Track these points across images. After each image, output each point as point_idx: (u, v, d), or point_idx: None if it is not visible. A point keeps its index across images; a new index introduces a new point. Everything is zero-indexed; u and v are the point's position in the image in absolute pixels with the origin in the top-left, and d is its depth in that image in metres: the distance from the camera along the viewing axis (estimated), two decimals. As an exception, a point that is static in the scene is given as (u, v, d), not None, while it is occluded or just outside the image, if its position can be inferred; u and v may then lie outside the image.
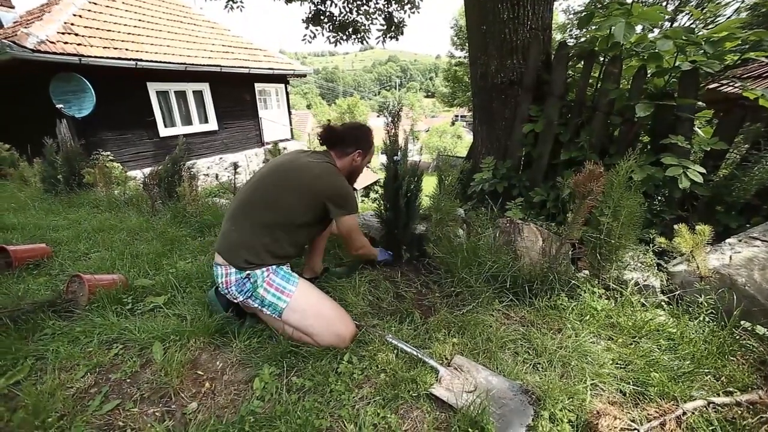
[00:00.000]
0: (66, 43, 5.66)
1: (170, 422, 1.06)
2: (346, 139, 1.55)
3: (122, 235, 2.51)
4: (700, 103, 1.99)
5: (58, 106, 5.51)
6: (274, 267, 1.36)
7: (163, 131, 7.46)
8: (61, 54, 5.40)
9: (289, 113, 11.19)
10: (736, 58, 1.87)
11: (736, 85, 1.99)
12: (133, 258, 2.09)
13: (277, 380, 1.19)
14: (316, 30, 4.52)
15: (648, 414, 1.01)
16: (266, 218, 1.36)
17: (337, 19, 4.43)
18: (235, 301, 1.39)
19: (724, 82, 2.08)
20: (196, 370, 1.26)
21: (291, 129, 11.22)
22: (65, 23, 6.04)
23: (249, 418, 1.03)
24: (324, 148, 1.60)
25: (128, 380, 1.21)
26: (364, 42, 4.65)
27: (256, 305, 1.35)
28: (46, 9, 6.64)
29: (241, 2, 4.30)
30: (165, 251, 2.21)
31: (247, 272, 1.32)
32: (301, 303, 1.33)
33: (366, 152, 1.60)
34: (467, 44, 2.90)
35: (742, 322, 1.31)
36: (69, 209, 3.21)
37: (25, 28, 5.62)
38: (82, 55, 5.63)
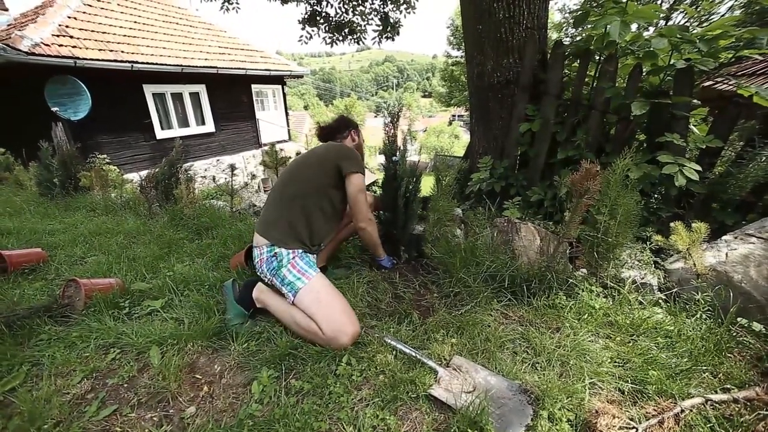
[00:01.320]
0: (61, 45, 5.63)
1: (168, 427, 1.05)
2: (338, 128, 1.84)
3: (119, 238, 2.49)
4: (695, 101, 2.00)
5: (54, 109, 5.48)
6: (300, 252, 1.49)
7: (160, 133, 7.44)
8: (56, 56, 5.37)
9: (287, 114, 11.17)
10: (730, 56, 1.88)
11: (730, 82, 2.00)
12: (130, 261, 2.08)
13: (275, 383, 1.19)
14: (313, 31, 4.52)
15: (646, 412, 1.01)
16: (292, 190, 1.57)
17: (333, 19, 4.43)
18: (266, 280, 1.51)
19: (718, 79, 2.09)
20: (193, 373, 1.26)
21: (288, 130, 11.20)
22: (60, 25, 6.01)
23: (248, 422, 1.03)
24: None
25: (125, 385, 1.20)
26: (361, 42, 4.65)
27: (277, 283, 1.45)
28: (41, 11, 6.60)
29: (237, 3, 4.29)
30: (162, 254, 2.20)
31: (275, 250, 1.46)
32: (317, 287, 1.40)
33: (357, 130, 1.88)
34: (463, 44, 2.91)
35: (738, 319, 1.32)
36: (65, 213, 3.19)
37: (19, 30, 5.59)
38: (78, 58, 5.60)
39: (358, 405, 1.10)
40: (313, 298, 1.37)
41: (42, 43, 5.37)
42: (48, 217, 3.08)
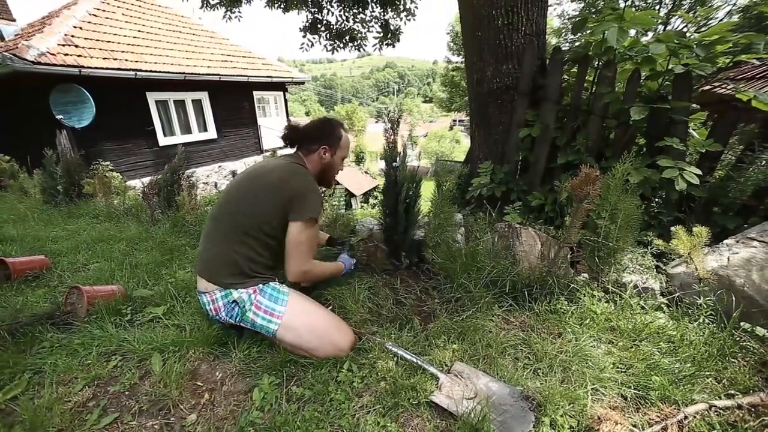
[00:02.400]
0: (66, 54, 5.72)
1: (169, 435, 1.05)
2: (309, 136, 1.49)
3: (121, 245, 2.51)
4: (694, 105, 2.00)
5: (58, 117, 5.55)
6: (260, 286, 1.32)
7: (163, 140, 7.50)
8: (61, 65, 5.46)
9: (288, 120, 11.24)
10: (728, 61, 1.89)
11: (729, 87, 2.01)
12: (132, 268, 2.09)
13: (276, 390, 1.18)
14: (314, 38, 4.58)
15: (649, 418, 1.00)
16: (238, 227, 1.31)
17: (334, 27, 4.49)
18: (230, 323, 1.36)
19: (717, 84, 2.10)
20: (195, 381, 1.26)
21: (290, 136, 11.26)
22: (66, 35, 6.12)
23: (249, 429, 1.03)
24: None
25: (127, 392, 1.20)
26: (361, 49, 4.70)
27: (248, 327, 1.34)
28: (47, 21, 6.73)
29: (239, 12, 4.35)
30: (164, 261, 2.21)
31: (234, 297, 1.29)
32: (294, 321, 1.29)
33: (333, 147, 1.51)
34: (463, 50, 2.93)
35: (741, 324, 1.31)
36: (68, 220, 3.22)
37: (26, 40, 5.69)
38: (82, 66, 5.68)
39: (359, 412, 1.10)
40: (293, 335, 1.28)
41: (48, 52, 5.46)
42: (51, 224, 3.10)
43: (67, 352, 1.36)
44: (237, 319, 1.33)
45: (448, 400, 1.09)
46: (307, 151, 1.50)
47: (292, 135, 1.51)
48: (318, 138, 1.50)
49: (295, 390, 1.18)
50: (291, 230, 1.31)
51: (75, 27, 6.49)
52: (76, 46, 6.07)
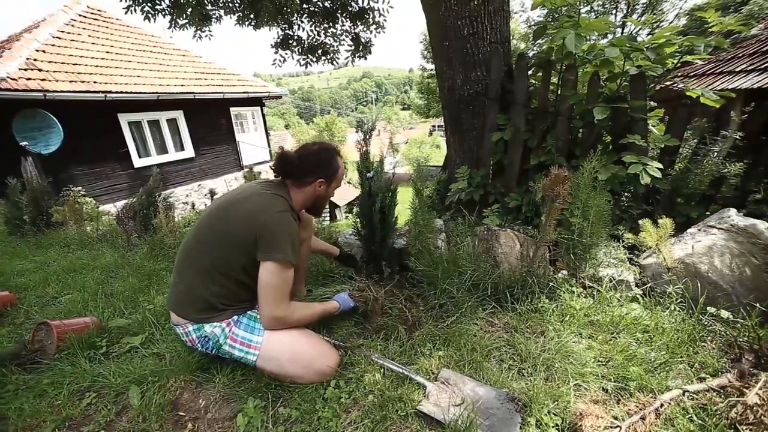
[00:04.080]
0: (29, 79, 5.52)
1: (149, 472, 1.00)
2: (303, 168, 1.34)
3: (95, 273, 2.40)
4: (652, 102, 2.12)
5: (22, 143, 5.31)
6: (235, 318, 1.25)
7: (138, 162, 7.29)
8: (23, 90, 5.25)
9: (267, 135, 11.16)
10: (675, 61, 2.02)
11: (679, 86, 2.15)
12: (107, 297, 2.01)
13: (262, 413, 1.15)
14: (286, 54, 4.60)
15: (629, 409, 1.03)
16: (205, 263, 1.23)
17: (306, 42, 4.53)
18: (208, 353, 1.31)
19: (668, 83, 2.24)
20: (177, 411, 1.21)
21: (270, 150, 11.18)
22: (28, 59, 5.90)
23: (233, 458, 0.99)
24: None
25: (103, 431, 1.14)
26: (334, 63, 4.75)
27: (226, 357, 1.30)
28: (6, 46, 6.47)
29: (210, 31, 4.33)
30: (142, 287, 2.13)
31: (206, 332, 1.24)
32: (273, 351, 1.22)
33: (330, 179, 1.40)
34: (433, 59, 3.02)
35: (708, 308, 1.38)
36: (36, 251, 3.06)
37: (-16, 66, 5.45)
38: (47, 90, 5.49)
39: (347, 429, 1.08)
40: (274, 365, 1.22)
41: (9, 77, 5.25)
42: (17, 256, 2.95)
43: (35, 394, 1.28)
44: (213, 352, 1.29)
45: (435, 408, 1.10)
46: (300, 182, 1.36)
47: (283, 167, 1.33)
48: (314, 170, 1.35)
49: (281, 411, 1.15)
50: (261, 271, 1.18)
51: (37, 50, 6.27)
52: (40, 70, 5.87)
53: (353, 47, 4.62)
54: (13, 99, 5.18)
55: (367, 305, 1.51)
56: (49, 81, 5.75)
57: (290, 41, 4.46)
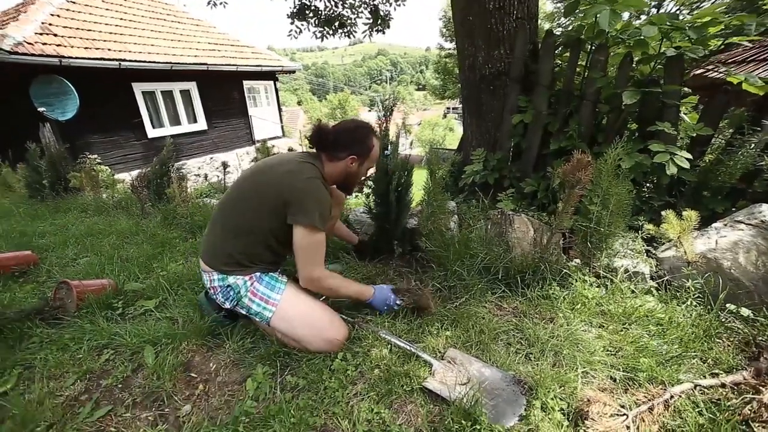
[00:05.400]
0: (45, 44, 5.51)
1: (163, 426, 1.05)
2: (338, 143, 1.36)
3: (111, 239, 2.47)
4: (685, 89, 2.00)
5: (40, 109, 5.37)
6: (258, 274, 1.30)
7: (151, 132, 7.34)
8: (40, 55, 5.25)
9: (279, 110, 11.06)
10: (719, 43, 1.88)
11: (720, 70, 2.01)
12: (122, 262, 2.06)
13: (270, 380, 1.19)
14: (302, 25, 4.45)
15: (637, 399, 1.02)
16: (234, 222, 1.29)
17: (323, 13, 4.37)
18: (224, 307, 1.36)
19: (709, 67, 2.09)
20: (189, 372, 1.25)
21: (282, 126, 11.11)
22: (43, 23, 5.87)
23: (243, 419, 1.03)
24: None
25: (119, 386, 1.19)
26: (351, 36, 4.60)
27: (243, 312, 1.33)
28: (22, 9, 6.43)
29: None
30: (155, 254, 2.18)
31: (229, 282, 1.28)
32: (288, 311, 1.27)
33: (362, 157, 1.41)
34: (454, 36, 2.88)
35: (727, 305, 1.34)
36: (56, 214, 3.15)
37: (0, 29, 5.45)
38: (63, 56, 5.48)
39: (353, 399, 1.11)
40: (287, 324, 1.26)
41: (25, 41, 5.24)
42: (38, 219, 3.04)
43: (58, 347, 1.34)
44: (233, 304, 1.32)
45: (441, 385, 1.11)
46: (332, 156, 1.38)
47: (318, 138, 1.36)
48: (348, 146, 1.37)
49: (289, 379, 1.18)
50: (294, 233, 1.24)
51: (52, 15, 6.23)
52: (55, 35, 5.84)
53: (371, 20, 4.45)
54: (30, 64, 5.19)
55: (417, 302, 1.42)
56: (65, 47, 5.73)
57: (307, 12, 4.32)
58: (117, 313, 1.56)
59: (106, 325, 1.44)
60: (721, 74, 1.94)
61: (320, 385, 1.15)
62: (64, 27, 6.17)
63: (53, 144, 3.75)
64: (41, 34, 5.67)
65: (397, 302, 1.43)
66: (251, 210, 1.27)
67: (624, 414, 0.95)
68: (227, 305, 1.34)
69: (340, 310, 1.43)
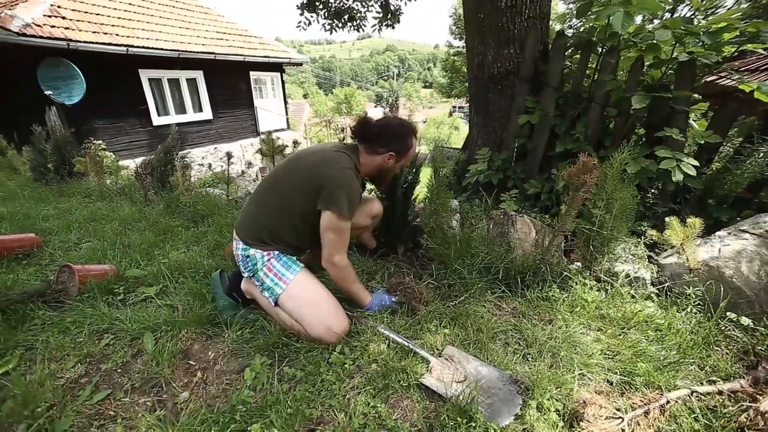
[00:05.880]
0: (53, 26, 5.49)
1: (161, 411, 1.06)
2: (379, 137, 1.40)
3: (114, 225, 2.48)
4: (696, 95, 1.98)
5: (47, 92, 5.38)
6: (276, 253, 1.37)
7: (157, 120, 7.34)
8: (48, 38, 5.24)
9: (285, 103, 11.03)
10: (733, 50, 1.86)
11: (733, 78, 1.98)
12: (124, 248, 2.07)
13: (268, 370, 1.20)
14: (311, 17, 4.42)
15: (633, 403, 1.03)
16: (267, 201, 1.39)
17: (333, 5, 4.33)
18: (244, 276, 1.42)
19: (722, 74, 2.07)
20: (187, 360, 1.27)
21: (287, 119, 11.08)
22: (51, 5, 5.85)
23: (240, 408, 1.04)
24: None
25: (119, 370, 1.21)
26: (360, 30, 4.56)
27: (257, 284, 1.38)
28: (31, -10, 6.41)
29: (234, -13, 4.19)
30: (157, 241, 2.19)
31: (248, 252, 1.36)
32: (297, 291, 1.33)
33: (401, 155, 1.44)
34: (464, 33, 2.86)
35: (727, 314, 1.33)
36: (60, 198, 3.17)
37: (9, 10, 5.44)
38: (71, 40, 5.47)
39: (350, 393, 1.11)
40: (294, 303, 1.31)
41: (33, 23, 5.23)
42: (42, 202, 3.06)
43: (59, 330, 1.35)
44: (249, 274, 1.39)
45: (437, 382, 1.11)
46: (371, 150, 1.41)
47: (361, 130, 1.41)
48: (388, 142, 1.40)
49: (287, 370, 1.19)
50: (321, 218, 1.31)
51: (61, -3, 6.21)
52: (64, 18, 5.83)
53: (381, 14, 4.41)
54: (38, 46, 5.19)
55: (409, 298, 1.45)
56: (73, 30, 5.72)
57: (317, 3, 4.28)
58: (118, 298, 1.57)
59: (107, 310, 1.45)
60: (734, 82, 1.91)
61: (317, 377, 1.16)
62: (73, 10, 6.15)
63: (59, 128, 3.76)
64: (50, 16, 5.65)
65: (393, 299, 1.48)
66: (285, 191, 1.36)
67: (619, 417, 0.96)
68: (246, 275, 1.41)
69: (340, 303, 1.43)
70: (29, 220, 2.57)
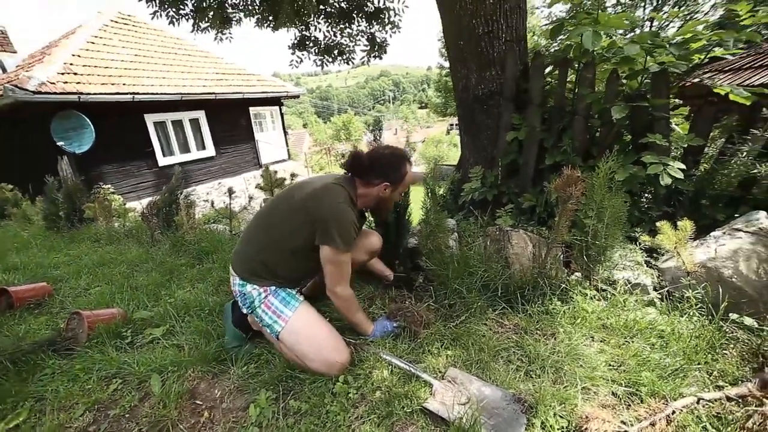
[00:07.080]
0: (66, 82, 5.86)
1: (168, 454, 1.07)
2: (372, 170, 1.41)
3: (122, 267, 2.54)
4: (676, 100, 2.04)
5: (59, 143, 5.66)
6: (273, 288, 1.37)
7: (162, 160, 7.61)
8: (61, 93, 5.59)
9: (285, 134, 11.38)
10: (702, 57, 1.94)
11: (708, 82, 2.05)
12: (132, 290, 2.12)
13: (273, 405, 1.20)
14: (303, 54, 4.68)
15: (638, 414, 1.01)
16: (261, 233, 1.42)
17: (322, 42, 4.59)
18: (243, 311, 1.42)
19: (695, 80, 2.14)
20: (194, 399, 1.28)
21: (287, 149, 11.40)
22: (65, 63, 6.27)
23: (246, 445, 1.04)
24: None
25: (127, 415, 1.22)
26: (350, 63, 4.80)
27: (256, 320, 1.39)
28: (47, 51, 6.91)
29: (230, 33, 4.47)
30: (164, 281, 2.24)
31: (245, 290, 1.37)
32: (297, 327, 1.33)
33: (396, 184, 1.44)
34: (448, 59, 3.00)
35: (730, 315, 1.32)
36: (70, 245, 3.27)
37: (26, 71, 5.83)
38: (82, 93, 5.81)
39: (354, 423, 1.11)
40: (294, 339, 1.31)
41: (48, 81, 5.60)
42: (54, 250, 3.15)
43: (68, 378, 1.38)
44: (249, 311, 1.39)
45: (441, 406, 1.11)
46: (366, 182, 1.43)
47: (353, 165, 1.42)
48: (382, 175, 1.41)
49: (292, 404, 1.20)
50: (321, 251, 1.32)
51: (74, 55, 6.65)
52: (75, 74, 6.22)
53: (369, 47, 4.65)
54: (51, 102, 5.52)
55: (410, 321, 1.47)
56: (84, 84, 6.08)
57: (307, 42, 4.54)
58: (126, 341, 1.60)
59: (115, 355, 1.48)
60: (709, 85, 1.98)
61: (322, 409, 1.16)
62: (84, 66, 6.57)
63: (70, 176, 3.93)
64: (63, 73, 6.04)
65: (394, 325, 1.48)
66: (279, 224, 1.38)
67: (625, 431, 0.94)
68: (244, 310, 1.41)
69: (342, 331, 1.45)
70: (41, 269, 2.65)
